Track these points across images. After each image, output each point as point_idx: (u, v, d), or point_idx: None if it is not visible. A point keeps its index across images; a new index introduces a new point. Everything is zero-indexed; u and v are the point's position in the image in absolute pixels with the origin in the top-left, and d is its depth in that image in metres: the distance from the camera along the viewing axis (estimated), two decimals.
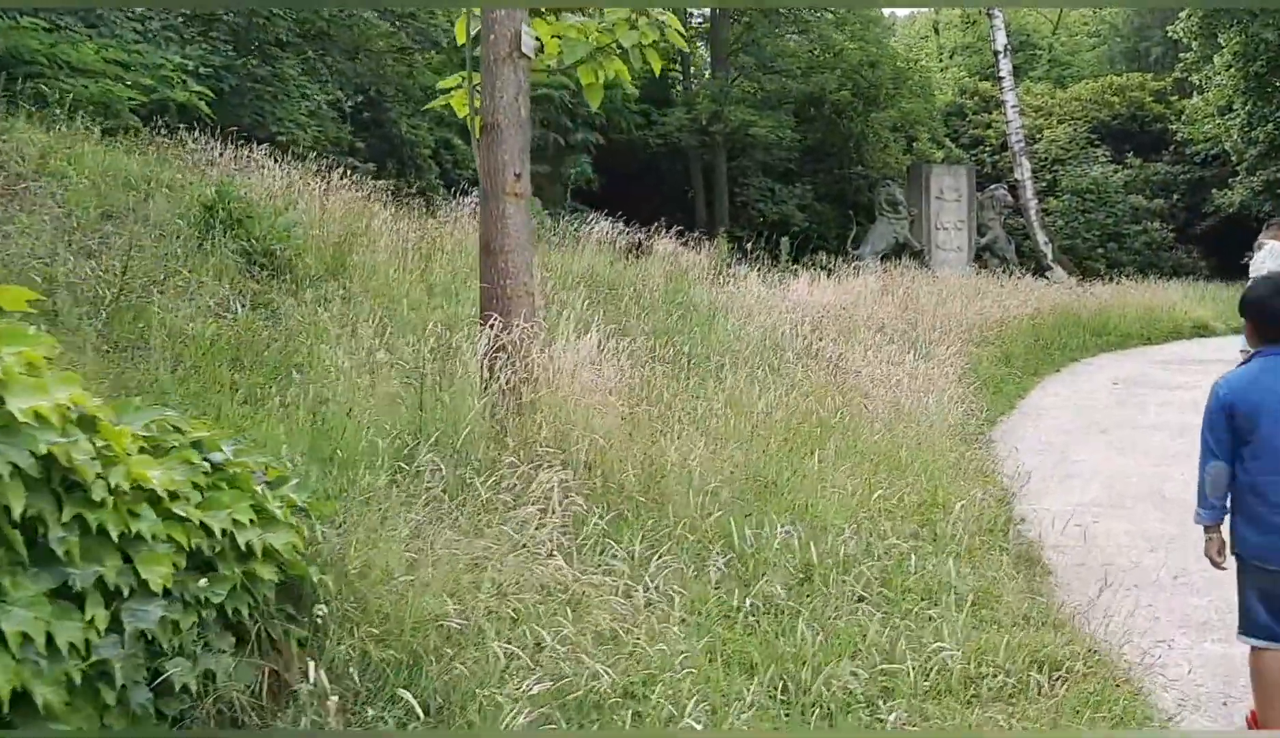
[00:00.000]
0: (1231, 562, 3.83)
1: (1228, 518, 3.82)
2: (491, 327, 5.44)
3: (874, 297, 13.53)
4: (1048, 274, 24.19)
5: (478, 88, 5.78)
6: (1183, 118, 29.17)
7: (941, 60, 48.04)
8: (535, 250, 7.04)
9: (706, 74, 26.31)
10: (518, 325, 5.43)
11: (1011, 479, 8.08)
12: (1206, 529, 3.86)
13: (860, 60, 24.65)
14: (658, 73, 7.04)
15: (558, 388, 5.38)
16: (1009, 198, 25.34)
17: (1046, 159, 29.66)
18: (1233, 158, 26.87)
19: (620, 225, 19.64)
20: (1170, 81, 31.32)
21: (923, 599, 4.66)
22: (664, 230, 17.12)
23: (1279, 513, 3.63)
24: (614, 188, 24.23)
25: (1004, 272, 24.17)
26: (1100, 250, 27.18)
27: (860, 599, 4.51)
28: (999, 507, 6.93)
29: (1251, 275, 10.52)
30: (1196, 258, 27.72)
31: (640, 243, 13.88)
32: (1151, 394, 11.80)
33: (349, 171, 14.27)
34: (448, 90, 6.44)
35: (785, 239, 18.64)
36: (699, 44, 26.33)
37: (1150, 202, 28.26)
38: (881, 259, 22.43)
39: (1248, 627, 3.77)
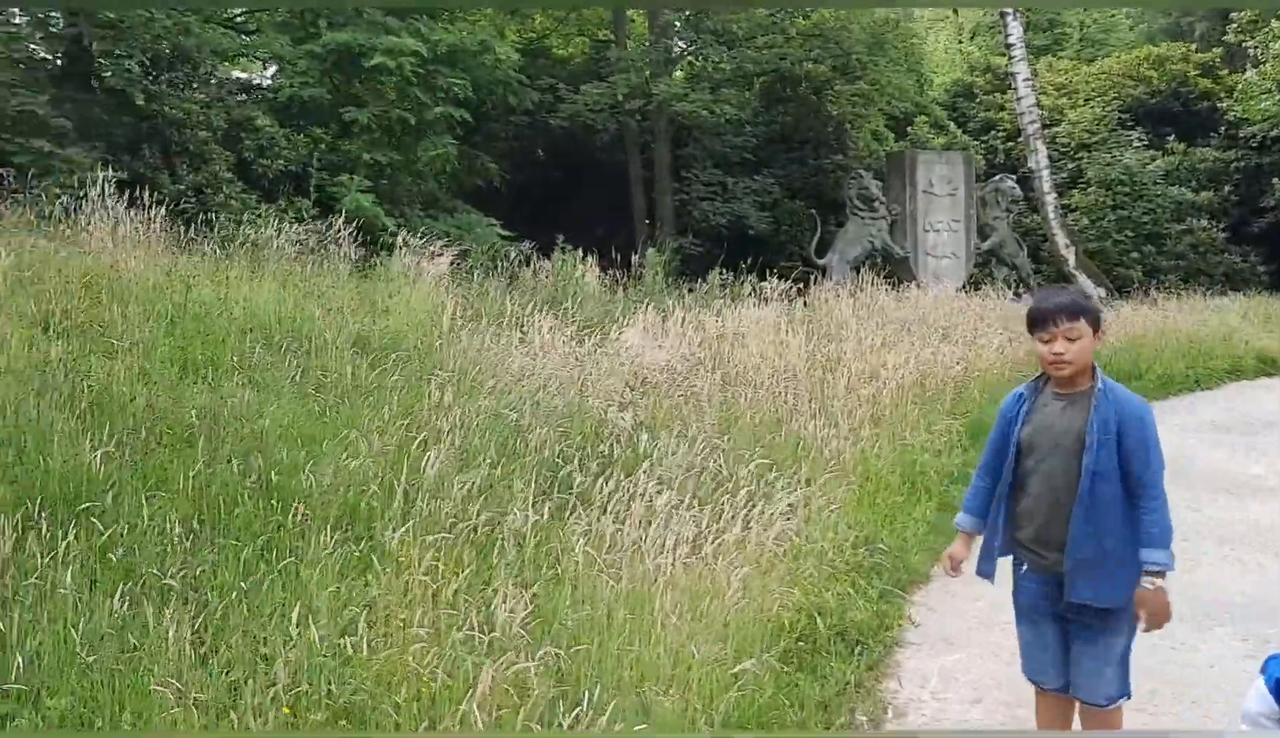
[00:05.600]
0: None
1: None
2: None
3: (769, 337, 8.81)
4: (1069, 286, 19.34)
5: None
6: (1235, 94, 24.05)
7: (960, 40, 43.09)
8: None
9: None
10: None
11: None
12: None
13: (832, 24, 19.87)
14: None
15: None
16: (1018, 191, 20.44)
17: (1069, 145, 24.64)
18: None
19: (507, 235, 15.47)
20: (1219, 53, 26.23)
21: None
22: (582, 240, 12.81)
23: None
24: (527, 187, 19.69)
25: (1015, 283, 19.44)
26: (1135, 254, 22.17)
27: None
28: None
29: None
30: (1255, 263, 22.65)
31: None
32: (1206, 506, 7.10)
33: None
34: None
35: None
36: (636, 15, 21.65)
37: (1197, 195, 23.18)
38: (856, 270, 17.73)
39: None
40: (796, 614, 4.66)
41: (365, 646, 3.14)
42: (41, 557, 3.49)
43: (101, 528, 3.73)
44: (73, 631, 3.08)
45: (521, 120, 18.76)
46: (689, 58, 21.31)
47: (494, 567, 3.78)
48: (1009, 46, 22.13)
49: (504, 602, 3.39)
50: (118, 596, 3.52)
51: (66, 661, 3.00)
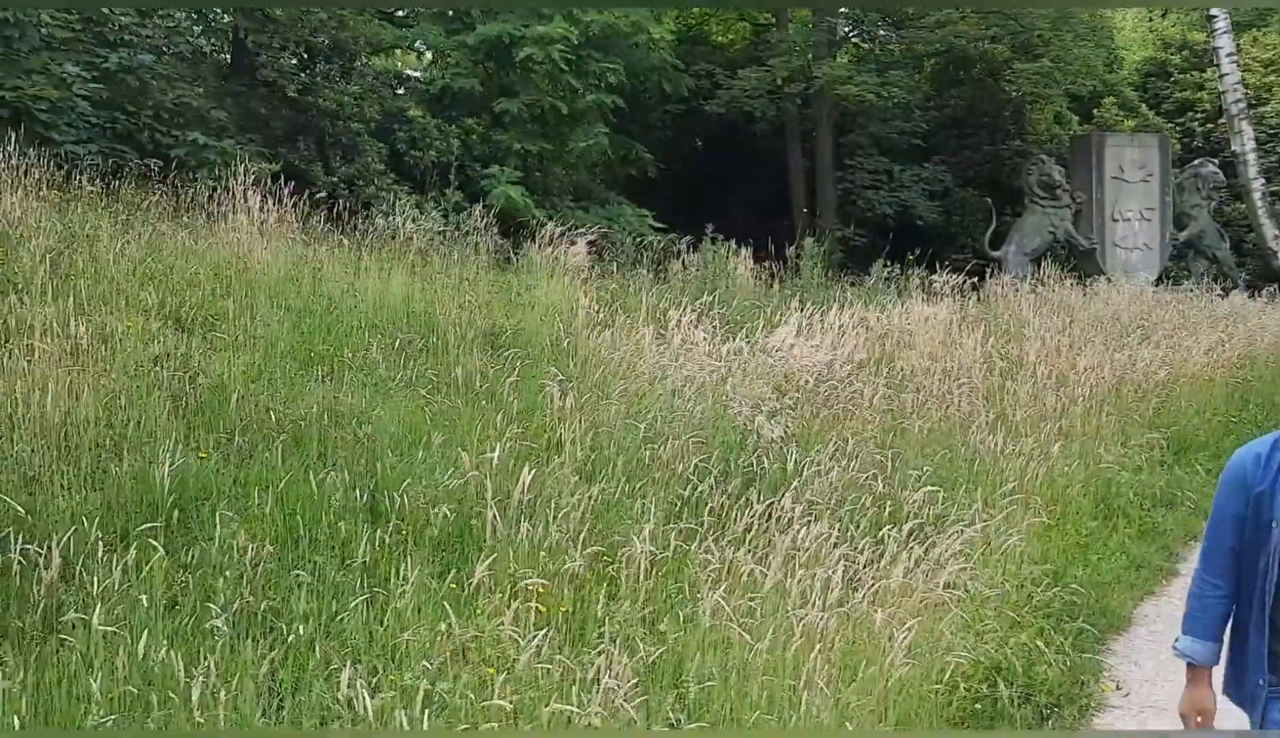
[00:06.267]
0: None
1: None
2: None
3: (939, 336, 7.92)
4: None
5: None
6: None
7: (1152, 15, 40.11)
8: None
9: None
10: None
11: None
12: None
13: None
14: None
15: None
16: (1221, 176, 18.59)
17: (1279, 126, 22.35)
18: None
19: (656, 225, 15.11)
20: None
21: None
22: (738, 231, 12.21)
23: None
24: (683, 178, 19.05)
25: (1216, 277, 17.64)
26: None
27: None
28: None
29: None
30: None
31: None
32: None
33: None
34: None
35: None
36: None
37: None
38: (1035, 263, 16.44)
39: None
40: (973, 671, 3.89)
41: (430, 717, 2.59)
42: (98, 582, 3.09)
43: (165, 550, 3.32)
44: (92, 684, 2.64)
45: (677, 108, 18.18)
46: (854, 39, 20.30)
47: (602, 614, 3.18)
48: (1211, 19, 20.21)
49: (608, 666, 2.78)
50: (187, 626, 3.09)
51: (80, 720, 2.56)
